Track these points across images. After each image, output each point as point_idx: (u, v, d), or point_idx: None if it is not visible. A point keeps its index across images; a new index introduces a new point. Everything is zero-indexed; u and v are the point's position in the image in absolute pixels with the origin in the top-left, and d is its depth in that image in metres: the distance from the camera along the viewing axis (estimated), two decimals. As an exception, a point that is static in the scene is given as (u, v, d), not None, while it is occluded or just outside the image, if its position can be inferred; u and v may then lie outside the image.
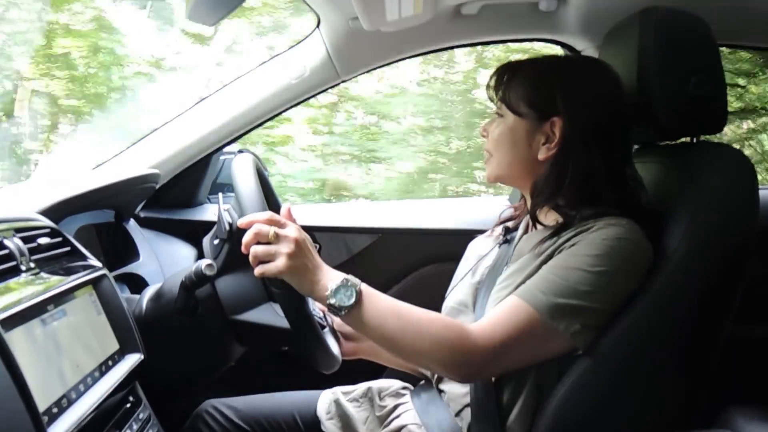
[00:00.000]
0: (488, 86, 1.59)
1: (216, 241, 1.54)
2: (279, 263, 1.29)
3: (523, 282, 1.40)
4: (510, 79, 1.52)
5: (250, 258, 1.32)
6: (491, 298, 1.48)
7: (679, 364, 1.39)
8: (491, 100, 1.59)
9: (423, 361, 1.40)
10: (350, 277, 1.34)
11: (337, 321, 1.69)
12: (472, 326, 1.36)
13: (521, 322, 1.32)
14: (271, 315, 1.50)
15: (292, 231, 1.32)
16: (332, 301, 1.31)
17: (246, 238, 1.31)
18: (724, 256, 1.37)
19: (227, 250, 1.52)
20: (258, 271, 1.32)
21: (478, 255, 1.70)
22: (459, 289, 1.65)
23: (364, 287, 1.35)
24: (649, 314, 1.34)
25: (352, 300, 1.31)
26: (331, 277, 1.33)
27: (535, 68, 1.52)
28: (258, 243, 1.31)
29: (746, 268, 1.38)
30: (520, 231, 1.64)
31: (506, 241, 1.66)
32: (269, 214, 1.33)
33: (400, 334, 1.34)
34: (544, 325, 1.32)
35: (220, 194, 1.60)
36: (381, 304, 1.35)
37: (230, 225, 1.50)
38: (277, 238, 1.30)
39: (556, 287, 1.32)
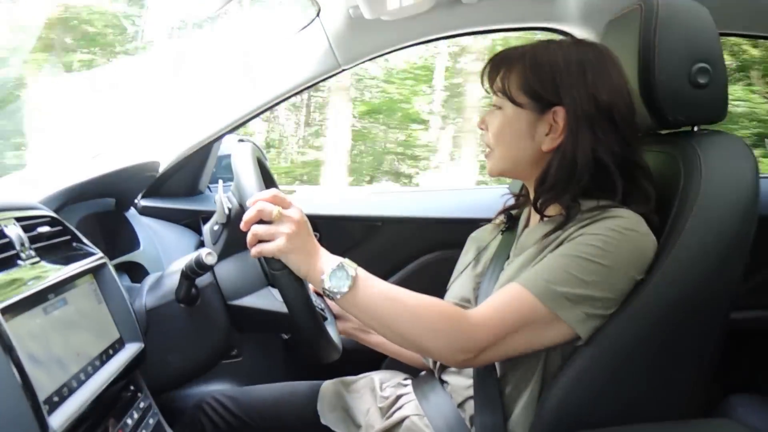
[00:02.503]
0: (483, 77, 1.56)
1: (216, 227, 1.54)
2: (278, 243, 1.30)
3: None
4: (508, 69, 1.48)
5: (249, 236, 1.31)
6: (493, 292, 1.47)
7: (681, 354, 1.39)
8: (487, 91, 1.57)
9: (420, 347, 1.39)
10: (346, 261, 1.34)
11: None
12: (471, 312, 1.35)
13: (523, 310, 1.32)
14: (269, 300, 1.50)
15: (295, 212, 1.32)
16: (327, 285, 1.31)
17: (249, 214, 1.31)
18: (725, 244, 1.37)
19: (226, 235, 1.52)
20: (255, 250, 1.32)
21: (479, 246, 1.69)
22: (460, 283, 1.64)
23: (360, 272, 1.34)
24: (651, 303, 1.34)
25: (348, 284, 1.31)
26: (327, 262, 1.33)
27: (533, 55, 1.47)
28: (260, 222, 1.31)
29: (747, 256, 1.38)
30: (522, 224, 1.63)
31: (508, 229, 1.65)
32: (274, 192, 1.32)
33: (396, 319, 1.34)
34: (546, 313, 1.31)
35: (220, 181, 1.60)
36: (376, 289, 1.35)
37: (229, 210, 1.50)
38: (279, 218, 1.30)
39: (560, 276, 1.31)
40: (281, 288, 1.37)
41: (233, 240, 1.50)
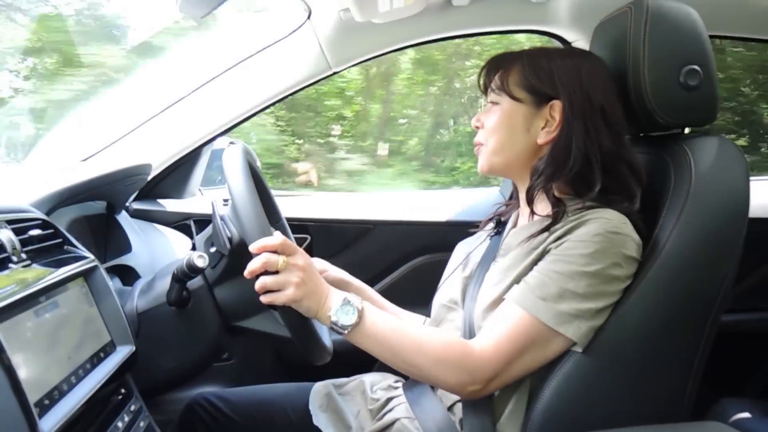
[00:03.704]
0: (480, 76, 1.60)
1: (213, 249, 1.53)
2: (288, 293, 1.32)
3: (515, 281, 1.41)
4: (507, 67, 1.53)
5: (257, 286, 1.32)
6: (481, 295, 1.48)
7: (671, 355, 1.39)
8: (483, 91, 1.60)
9: (428, 377, 1.41)
10: (351, 296, 1.36)
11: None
12: (474, 342, 1.37)
13: (525, 334, 1.34)
14: (272, 324, 1.51)
15: (299, 259, 1.34)
16: (335, 320, 1.34)
17: (254, 266, 1.31)
18: (715, 246, 1.37)
19: (226, 263, 1.52)
20: (266, 299, 1.33)
21: (467, 250, 1.70)
22: (449, 285, 1.66)
23: (366, 306, 1.37)
24: (640, 305, 1.34)
25: (354, 320, 1.34)
26: (333, 298, 1.36)
27: (531, 56, 1.52)
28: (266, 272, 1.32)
29: (737, 258, 1.38)
30: (509, 225, 1.65)
31: (497, 233, 1.67)
32: (280, 240, 1.33)
33: (402, 353, 1.36)
34: (548, 332, 1.33)
35: (214, 201, 1.59)
36: (381, 324, 1.37)
37: (230, 239, 1.50)
38: (285, 267, 1.32)
39: (556, 292, 1.33)
40: (285, 320, 1.38)
41: (233, 267, 1.49)
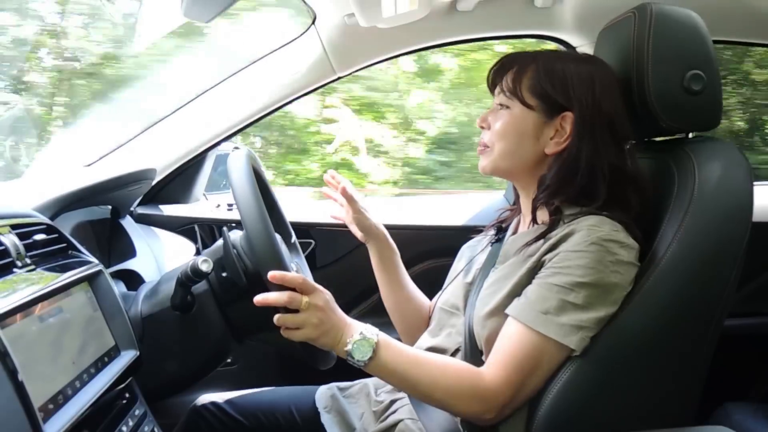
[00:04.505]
0: (490, 74, 1.58)
1: (224, 274, 1.53)
2: (306, 332, 1.33)
3: (511, 290, 1.41)
4: (520, 71, 1.50)
5: (277, 320, 1.33)
6: (479, 303, 1.48)
7: (673, 360, 1.39)
8: (491, 89, 1.58)
9: (444, 410, 1.44)
10: (366, 330, 1.37)
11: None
12: (485, 370, 1.37)
13: (531, 352, 1.33)
14: (280, 337, 1.52)
15: (319, 299, 1.34)
16: (351, 354, 1.35)
17: (276, 299, 1.31)
18: (718, 250, 1.37)
19: (240, 291, 1.52)
20: (285, 334, 1.35)
21: (470, 255, 1.70)
22: (450, 291, 1.66)
23: (381, 337, 1.37)
24: (643, 310, 1.34)
25: (369, 355, 1.34)
26: (349, 332, 1.36)
27: (546, 61, 1.49)
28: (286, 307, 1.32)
29: (740, 263, 1.38)
30: (509, 232, 1.65)
31: (498, 240, 1.66)
32: (301, 279, 1.32)
33: (416, 384, 1.37)
34: (554, 347, 1.33)
35: (225, 228, 1.59)
36: (395, 358, 1.37)
37: (244, 272, 1.50)
38: (306, 308, 1.32)
39: (558, 306, 1.32)
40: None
41: (249, 296, 1.49)
